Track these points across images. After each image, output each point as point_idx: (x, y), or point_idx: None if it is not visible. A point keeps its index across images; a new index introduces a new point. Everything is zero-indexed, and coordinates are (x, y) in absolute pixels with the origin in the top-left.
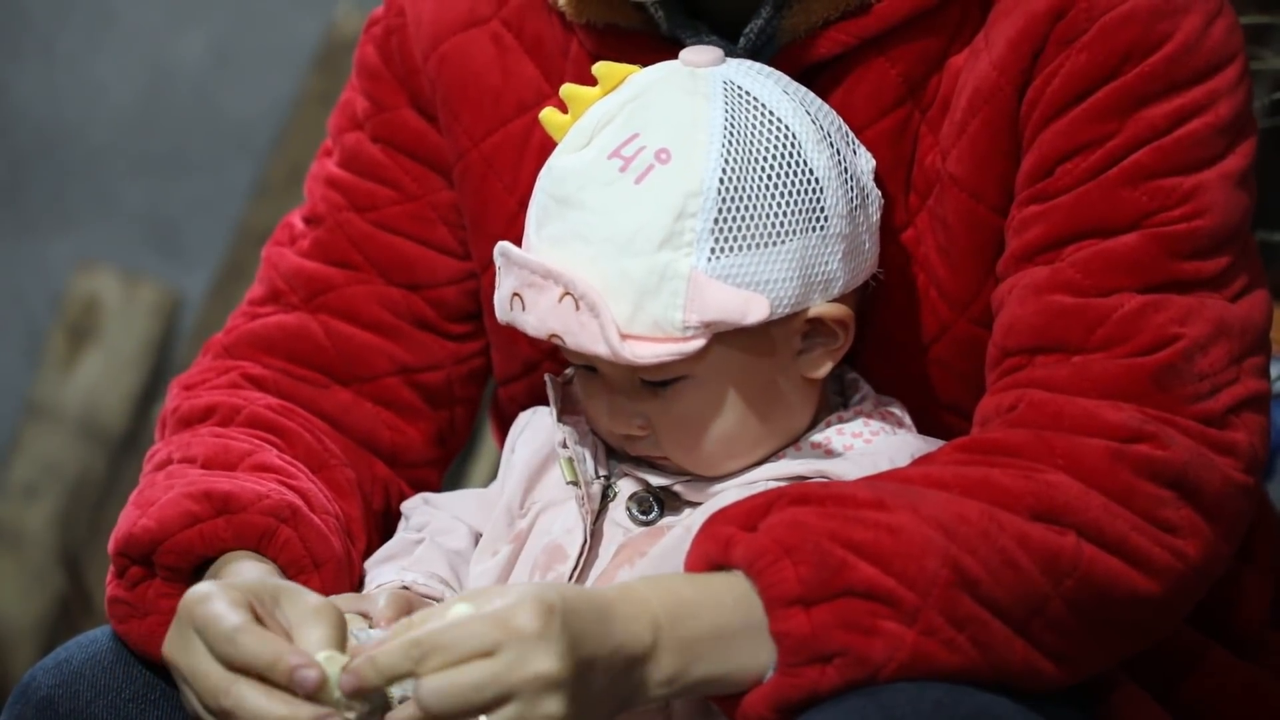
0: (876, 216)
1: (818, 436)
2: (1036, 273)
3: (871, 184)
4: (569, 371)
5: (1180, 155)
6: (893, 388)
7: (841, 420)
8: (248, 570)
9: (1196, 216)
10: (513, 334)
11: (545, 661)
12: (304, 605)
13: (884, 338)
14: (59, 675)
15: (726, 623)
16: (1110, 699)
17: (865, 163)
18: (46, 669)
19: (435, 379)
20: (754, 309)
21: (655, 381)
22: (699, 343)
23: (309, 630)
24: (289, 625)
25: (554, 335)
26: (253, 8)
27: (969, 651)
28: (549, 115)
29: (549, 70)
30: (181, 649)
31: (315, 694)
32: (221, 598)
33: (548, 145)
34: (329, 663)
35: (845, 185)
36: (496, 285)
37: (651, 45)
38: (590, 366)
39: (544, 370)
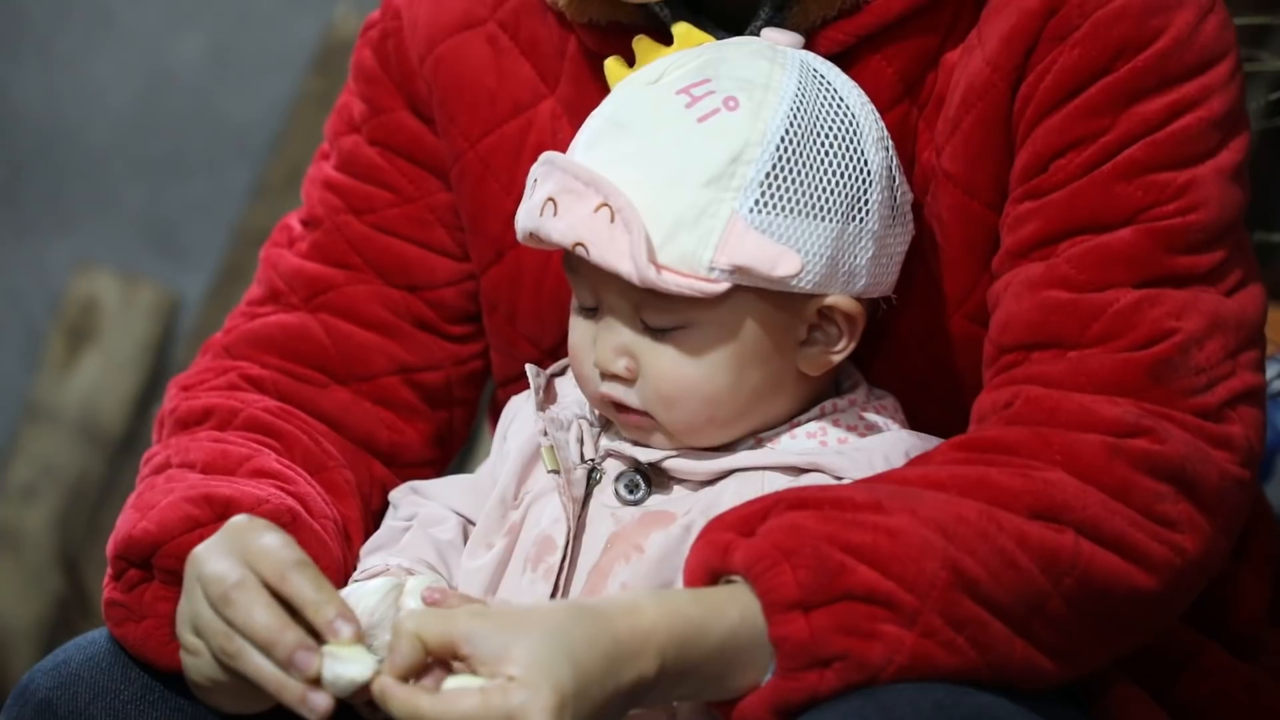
0: (906, 242)
1: (812, 425)
2: (1032, 269)
3: (909, 212)
4: (554, 366)
5: (1174, 150)
6: (887, 383)
7: (837, 409)
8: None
9: (1191, 211)
10: (512, 336)
11: None
12: (312, 588)
13: (879, 334)
14: (57, 677)
15: (731, 639)
16: (1108, 698)
17: (908, 191)
18: (45, 671)
19: (435, 379)
20: (785, 263)
21: (656, 327)
22: (722, 286)
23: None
24: (300, 601)
25: (580, 244)
26: (251, 9)
27: (968, 652)
28: (613, 65)
29: (545, 71)
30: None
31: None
32: (224, 557)
33: (544, 146)
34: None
35: (891, 191)
36: (527, 197)
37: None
38: (592, 308)
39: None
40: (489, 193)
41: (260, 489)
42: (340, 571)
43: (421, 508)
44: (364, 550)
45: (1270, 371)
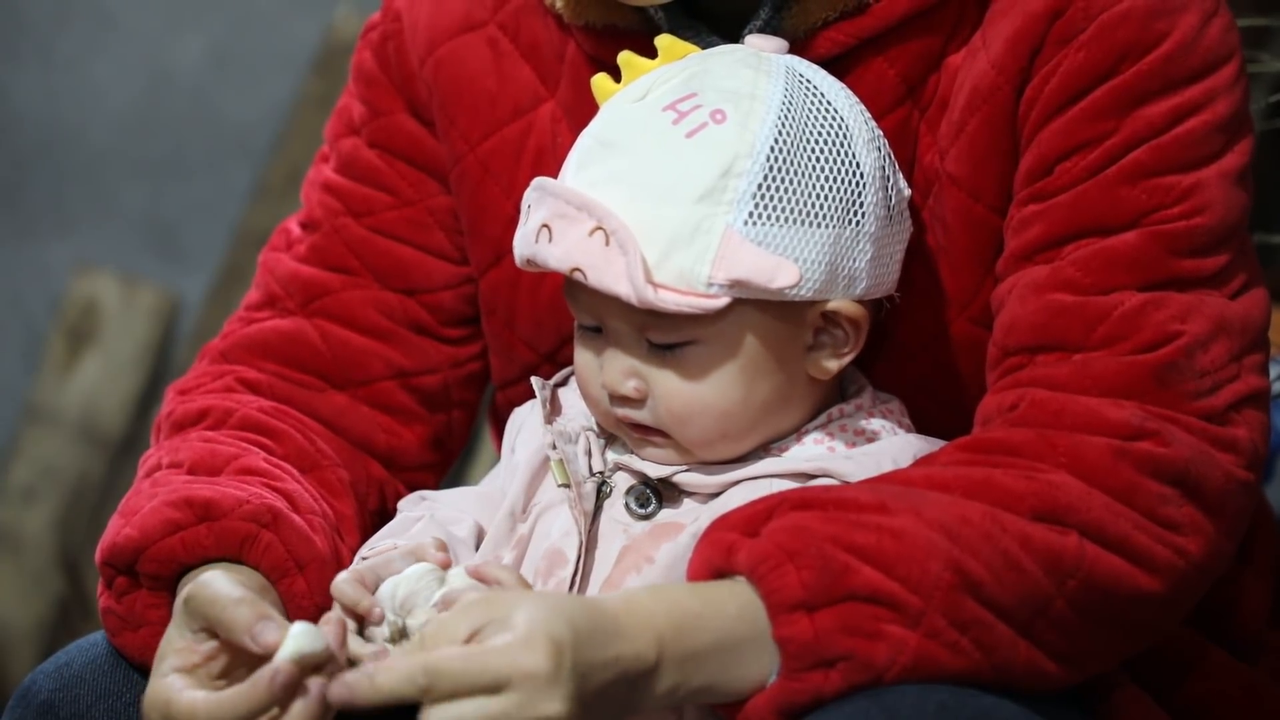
0: (905, 240)
1: (819, 432)
2: (1036, 271)
3: (906, 209)
4: (558, 376)
5: (1179, 153)
6: (891, 387)
7: (843, 415)
8: (201, 594)
9: (1195, 214)
10: (511, 339)
11: (553, 705)
12: (230, 612)
13: (883, 337)
14: (59, 679)
15: (730, 633)
16: (1111, 700)
17: (904, 188)
18: (47, 673)
19: (432, 383)
20: (783, 274)
21: (662, 344)
22: (722, 301)
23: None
24: (231, 630)
25: (576, 269)
26: (251, 11)
27: (972, 654)
28: (600, 81)
29: (545, 74)
30: None
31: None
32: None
33: (544, 149)
34: (303, 636)
35: (886, 191)
36: (522, 222)
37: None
38: (595, 327)
39: (543, 373)
40: (489, 195)
41: (241, 489)
42: (327, 566)
43: (435, 511)
44: (375, 538)
45: (1273, 373)
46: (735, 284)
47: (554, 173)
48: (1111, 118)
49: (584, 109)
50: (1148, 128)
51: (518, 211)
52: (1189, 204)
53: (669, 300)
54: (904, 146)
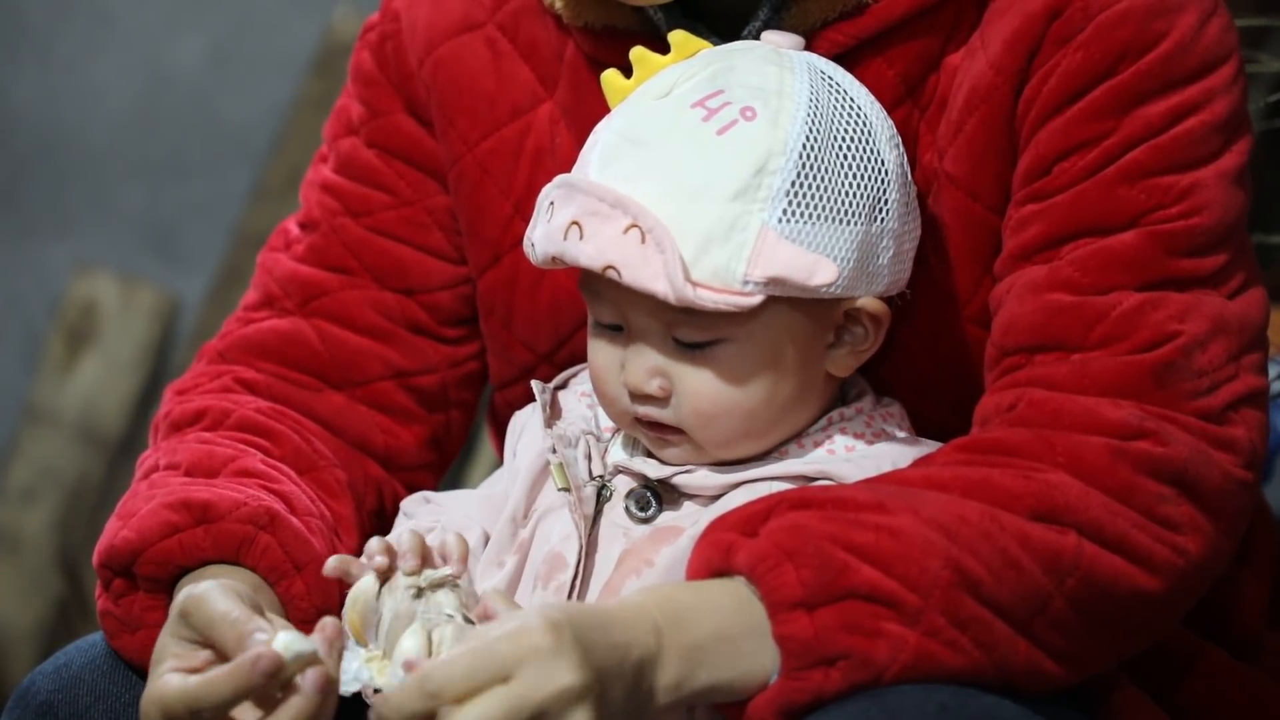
0: (918, 236)
1: (820, 435)
2: (1034, 271)
3: (917, 205)
4: (558, 379)
5: (1177, 153)
6: (890, 387)
7: (844, 418)
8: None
9: (1194, 214)
10: (509, 340)
11: (567, 675)
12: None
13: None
14: (58, 680)
15: (727, 626)
16: (1110, 700)
17: (915, 186)
18: (45, 673)
19: (429, 382)
20: (821, 271)
21: (690, 343)
22: (757, 299)
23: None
24: (226, 649)
25: (610, 267)
26: (250, 11)
27: (972, 652)
28: (610, 78)
29: (543, 74)
30: None
31: (277, 673)
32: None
33: (543, 149)
34: (290, 646)
35: (905, 189)
36: (544, 220)
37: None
38: (616, 325)
39: (541, 374)
40: (487, 196)
41: (239, 491)
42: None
43: (441, 516)
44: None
45: (1272, 373)
46: (772, 281)
47: (552, 174)
48: (1110, 118)
49: (583, 110)
50: (1146, 128)
51: (516, 211)
52: (1187, 204)
53: (705, 298)
54: (904, 147)
